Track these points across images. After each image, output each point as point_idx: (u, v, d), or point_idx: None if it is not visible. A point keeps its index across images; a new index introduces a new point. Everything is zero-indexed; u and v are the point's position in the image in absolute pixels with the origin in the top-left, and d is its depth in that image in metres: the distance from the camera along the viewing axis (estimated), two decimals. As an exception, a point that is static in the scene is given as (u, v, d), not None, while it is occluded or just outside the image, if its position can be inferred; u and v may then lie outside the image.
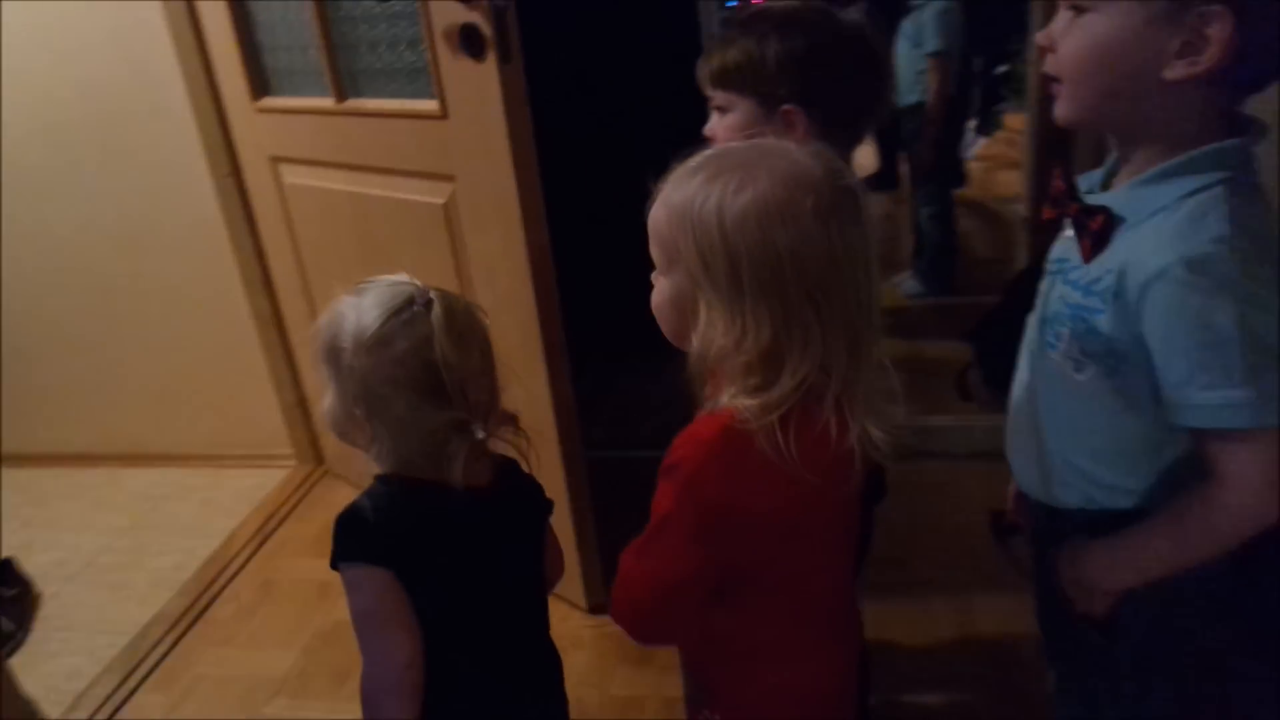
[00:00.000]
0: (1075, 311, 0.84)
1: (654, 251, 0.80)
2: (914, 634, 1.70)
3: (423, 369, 0.86)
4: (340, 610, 1.89)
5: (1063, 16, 0.81)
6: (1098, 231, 0.82)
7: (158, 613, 1.97)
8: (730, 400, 0.77)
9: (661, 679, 1.65)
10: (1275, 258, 0.76)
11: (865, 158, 3.93)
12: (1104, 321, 0.80)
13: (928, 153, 2.86)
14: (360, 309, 0.89)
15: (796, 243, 0.71)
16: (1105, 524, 0.89)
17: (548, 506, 1.04)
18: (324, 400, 0.93)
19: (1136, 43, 0.75)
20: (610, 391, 2.61)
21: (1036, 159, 3.23)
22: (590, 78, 2.64)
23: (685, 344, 0.79)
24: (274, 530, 2.22)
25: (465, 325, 0.90)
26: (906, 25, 2.81)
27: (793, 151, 0.76)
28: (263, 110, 1.96)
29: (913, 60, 2.83)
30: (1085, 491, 0.90)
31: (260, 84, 1.96)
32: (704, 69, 1.13)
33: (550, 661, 1.06)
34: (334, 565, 0.90)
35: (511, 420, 0.96)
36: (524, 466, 1.00)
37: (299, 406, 2.37)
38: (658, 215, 0.78)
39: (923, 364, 2.73)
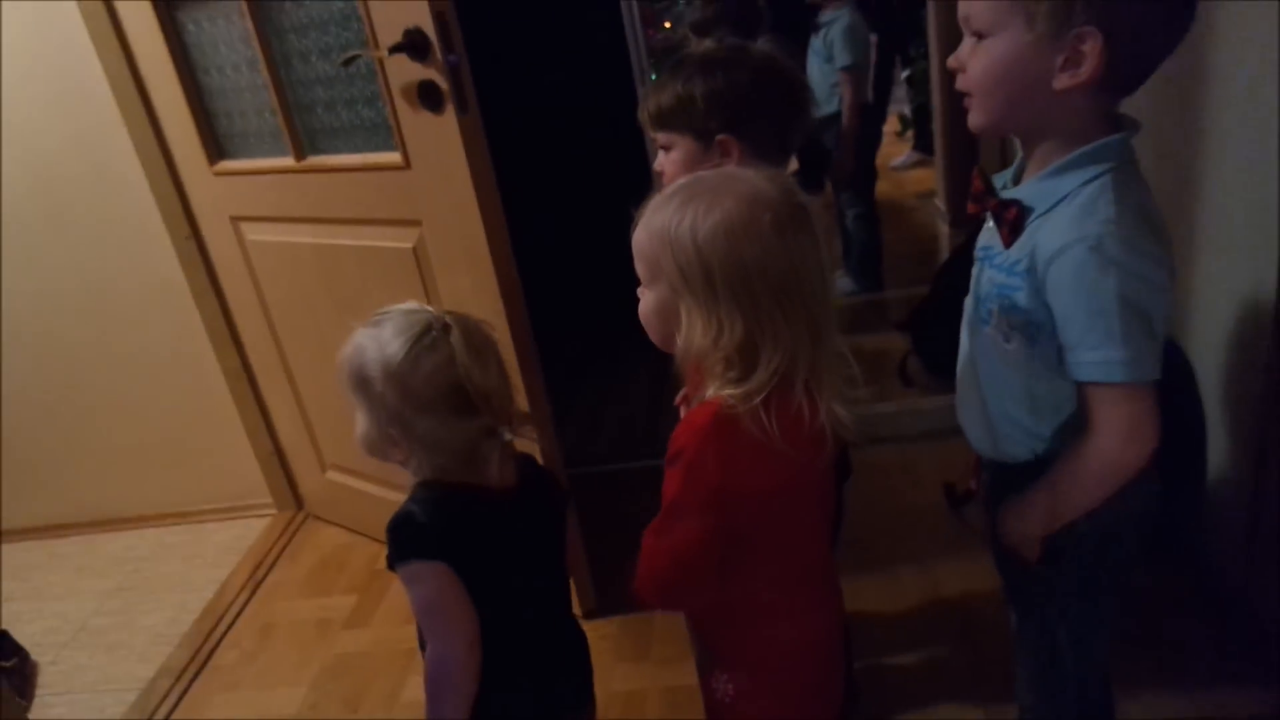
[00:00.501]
0: (1000, 290, 0.99)
1: (639, 268, 0.93)
2: (886, 603, 1.84)
3: (449, 387, 0.96)
4: (342, 643, 1.99)
5: (967, 43, 0.95)
6: (1013, 221, 0.96)
7: (161, 666, 2.03)
8: (716, 391, 0.90)
9: (659, 671, 1.77)
10: (1155, 230, 0.91)
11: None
12: (1022, 297, 0.95)
13: (847, 159, 3.03)
14: (381, 339, 0.99)
15: (759, 252, 0.84)
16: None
17: (566, 496, 1.15)
18: (358, 426, 1.03)
19: (1028, 61, 0.89)
20: (571, 410, 2.72)
21: (947, 157, 3.46)
22: (543, 115, 2.78)
23: (670, 347, 0.92)
24: (265, 576, 2.28)
25: (481, 342, 1.01)
26: (816, 42, 2.99)
27: (752, 177, 0.89)
28: (220, 173, 2.04)
29: (825, 74, 3.00)
30: (1026, 444, 1.04)
31: (215, 149, 2.04)
32: (643, 113, 1.27)
33: (579, 638, 1.17)
34: (391, 566, 1.00)
35: (527, 419, 1.07)
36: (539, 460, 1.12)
37: (275, 455, 2.44)
38: (640, 237, 0.91)
39: (863, 357, 2.84)
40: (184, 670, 2.00)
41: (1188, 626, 1.64)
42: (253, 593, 2.23)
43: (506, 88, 2.25)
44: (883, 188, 3.62)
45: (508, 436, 1.02)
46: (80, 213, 2.27)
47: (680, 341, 0.90)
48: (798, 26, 3.28)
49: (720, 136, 1.20)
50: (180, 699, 1.94)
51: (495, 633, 1.03)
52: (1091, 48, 0.85)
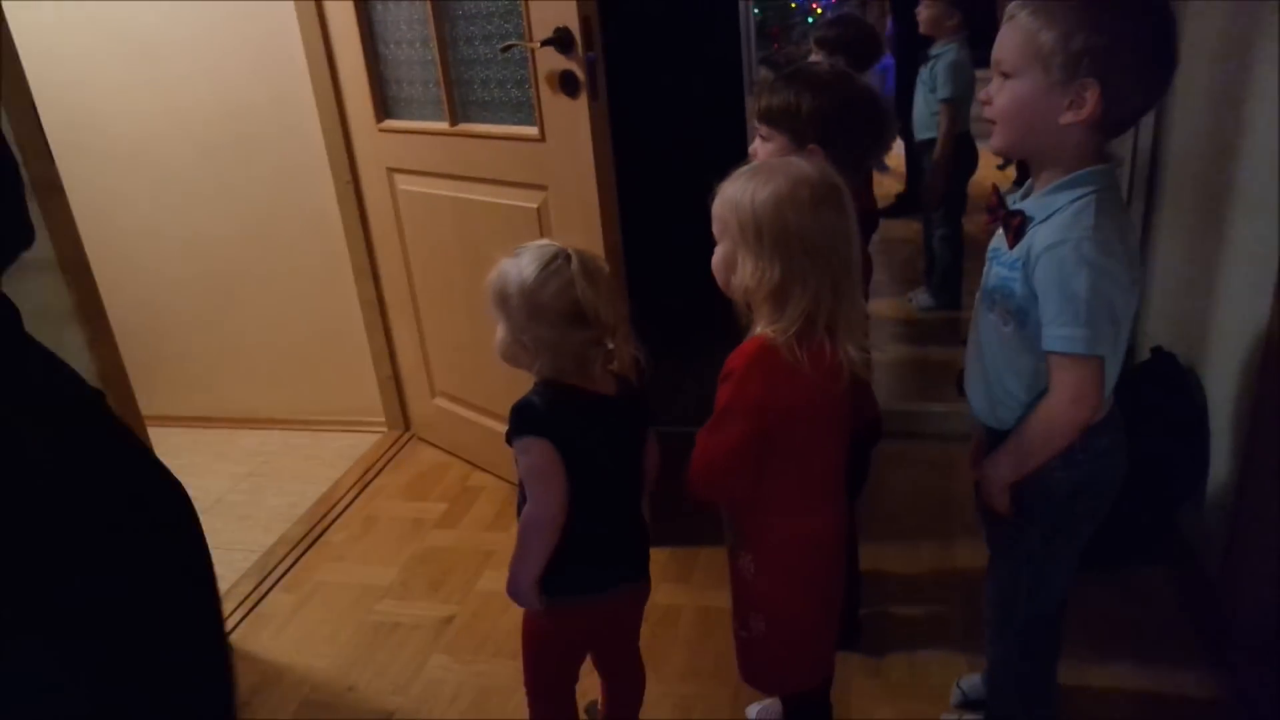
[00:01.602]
0: (1003, 283, 1.24)
1: (714, 227, 1.22)
2: (902, 566, 2.09)
3: (569, 304, 1.23)
4: (432, 539, 2.34)
5: (996, 81, 1.22)
6: (1017, 227, 1.22)
7: (281, 536, 2.41)
8: (761, 329, 1.19)
9: (696, 593, 2.05)
10: (1124, 241, 1.16)
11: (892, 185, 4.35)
12: (1017, 286, 1.20)
13: (938, 183, 3.26)
14: (520, 265, 1.27)
15: (797, 217, 1.13)
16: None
17: (648, 412, 1.41)
18: (497, 335, 1.30)
19: (1041, 99, 1.15)
20: (660, 373, 3.02)
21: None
22: (661, 107, 3.11)
23: (729, 289, 1.22)
24: (372, 479, 2.65)
25: (595, 270, 1.27)
26: (924, 72, 3.23)
27: (801, 163, 1.19)
28: (384, 130, 2.41)
29: (929, 103, 3.24)
30: (1015, 411, 1.28)
31: (383, 109, 2.41)
32: (755, 104, 1.55)
33: (642, 526, 1.45)
34: (509, 440, 1.28)
35: (629, 336, 1.33)
36: (635, 378, 1.39)
37: (393, 380, 2.81)
38: (716, 202, 1.21)
39: (929, 365, 3.13)
40: (300, 541, 2.38)
41: (1167, 610, 1.86)
42: (361, 490, 2.60)
43: (634, 80, 2.56)
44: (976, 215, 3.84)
45: (610, 346, 1.29)
46: (263, 149, 2.68)
47: (736, 281, 1.20)
48: (913, 57, 3.54)
49: (811, 145, 1.47)
50: (295, 563, 2.31)
51: (581, 505, 1.30)
52: (1092, 94, 1.11)
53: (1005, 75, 1.19)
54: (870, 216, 3.23)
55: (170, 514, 1.11)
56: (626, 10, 2.36)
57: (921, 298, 3.49)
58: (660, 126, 3.02)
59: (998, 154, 1.28)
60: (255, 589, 2.21)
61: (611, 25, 1.90)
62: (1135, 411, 1.97)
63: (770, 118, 1.51)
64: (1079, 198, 1.16)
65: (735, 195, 1.18)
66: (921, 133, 3.33)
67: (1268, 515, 1.64)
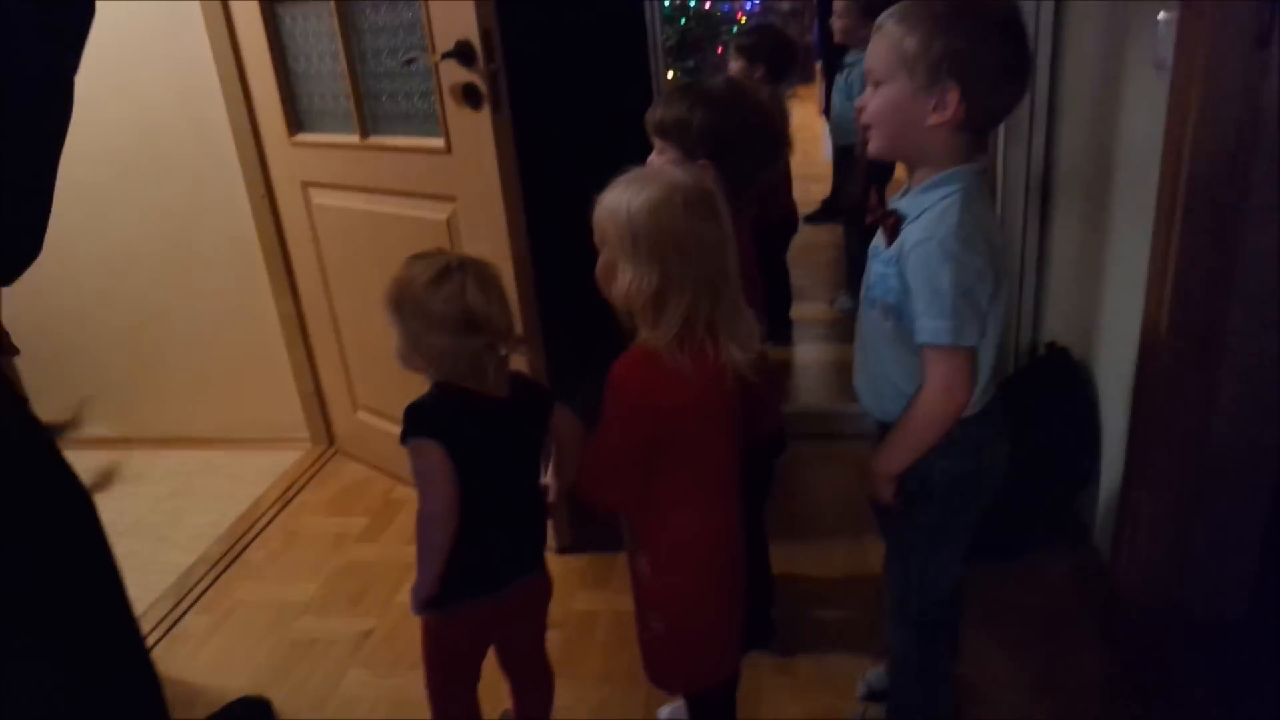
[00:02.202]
0: (881, 280, 1.28)
1: (595, 236, 1.25)
2: (815, 568, 2.13)
3: (461, 311, 1.26)
4: (353, 554, 2.33)
5: (869, 89, 1.26)
6: (893, 226, 1.26)
7: (200, 555, 2.38)
8: (643, 336, 1.22)
9: (613, 598, 2.07)
10: (987, 237, 1.21)
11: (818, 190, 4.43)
12: (893, 282, 1.24)
13: (856, 188, 3.32)
14: (413, 273, 1.29)
15: (672, 224, 1.16)
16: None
17: (550, 398, 1.43)
18: (394, 341, 1.32)
19: (908, 104, 1.20)
20: (580, 378, 3.04)
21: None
22: (564, 120, 3.12)
23: (612, 298, 1.24)
24: (294, 495, 2.63)
25: (487, 277, 1.30)
26: (840, 80, 3.30)
27: (675, 172, 1.23)
28: (297, 144, 2.41)
29: (847, 110, 3.31)
30: (899, 403, 1.31)
31: (295, 123, 2.41)
32: (650, 118, 1.58)
33: (539, 527, 1.48)
34: (403, 441, 1.30)
35: (523, 341, 1.37)
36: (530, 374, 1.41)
37: (315, 394, 2.79)
38: (596, 212, 1.23)
39: (848, 365, 3.18)
40: (219, 560, 2.35)
41: (1066, 593, 1.92)
42: (283, 507, 2.58)
43: (538, 90, 2.59)
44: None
45: (503, 352, 1.32)
46: (177, 165, 2.64)
47: (616, 288, 1.22)
48: (831, 64, 3.63)
49: (702, 160, 1.50)
50: (214, 583, 2.29)
51: (473, 507, 1.32)
52: (953, 97, 1.16)
53: (876, 83, 1.24)
54: (789, 220, 3.33)
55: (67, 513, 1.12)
56: (533, 21, 2.39)
57: (844, 300, 3.55)
58: (568, 137, 3.05)
59: (875, 158, 1.32)
60: (172, 610, 2.18)
61: (517, 36, 1.92)
62: (1032, 403, 2.05)
63: (663, 131, 1.54)
64: (945, 196, 1.21)
65: (612, 204, 1.20)
66: (841, 139, 3.40)
67: (1151, 498, 1.71)
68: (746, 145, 1.53)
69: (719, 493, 1.37)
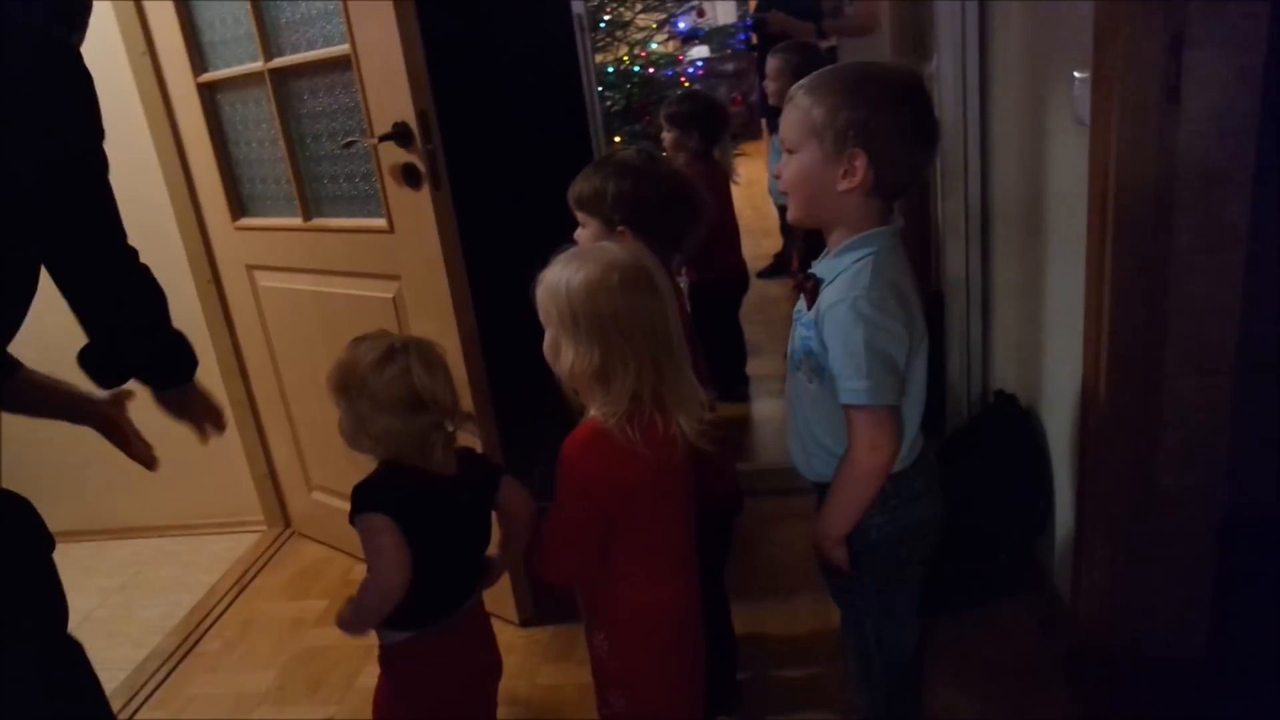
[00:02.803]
0: (804, 343, 1.30)
1: (540, 313, 1.26)
2: (780, 627, 2.11)
3: (406, 390, 1.27)
4: (311, 638, 2.28)
5: (784, 156, 1.29)
6: (812, 290, 1.29)
7: (152, 650, 2.32)
8: (593, 412, 1.23)
9: (578, 671, 2.04)
10: (900, 298, 1.22)
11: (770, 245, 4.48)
12: (814, 344, 1.26)
13: (794, 247, 3.37)
14: (357, 356, 1.30)
15: (609, 302, 1.18)
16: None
17: (498, 471, 1.44)
18: (340, 422, 1.33)
19: (819, 170, 1.23)
20: (534, 452, 3.03)
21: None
22: (505, 194, 3.15)
23: (559, 374, 1.25)
24: (250, 580, 2.58)
25: (431, 356, 1.31)
26: (775, 140, 3.37)
27: (613, 248, 1.24)
28: (240, 229, 2.41)
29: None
30: (830, 463, 1.33)
31: (239, 207, 2.41)
32: (570, 194, 1.61)
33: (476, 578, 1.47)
34: (352, 520, 1.30)
35: (469, 417, 1.38)
36: (478, 448, 1.41)
37: (269, 477, 2.75)
38: (539, 291, 1.25)
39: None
40: (172, 654, 2.29)
41: (1030, 640, 1.93)
42: (238, 594, 2.53)
43: (477, 166, 2.61)
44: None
45: (450, 428, 1.32)
46: (119, 255, 2.63)
47: (561, 365, 1.23)
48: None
49: (620, 228, 1.53)
50: (167, 677, 2.22)
51: (419, 577, 1.32)
52: (860, 163, 1.20)
53: (790, 151, 1.27)
54: (740, 279, 3.37)
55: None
56: (470, 97, 2.42)
57: (798, 354, 3.58)
58: (510, 210, 3.08)
59: (794, 224, 1.35)
60: (124, 708, 2.12)
61: (454, 113, 1.94)
62: (984, 452, 2.08)
63: (581, 204, 1.57)
64: (859, 259, 1.23)
65: (552, 284, 1.22)
66: (779, 199, 3.46)
67: (1104, 543, 1.73)
68: (661, 208, 1.55)
69: (673, 564, 1.37)
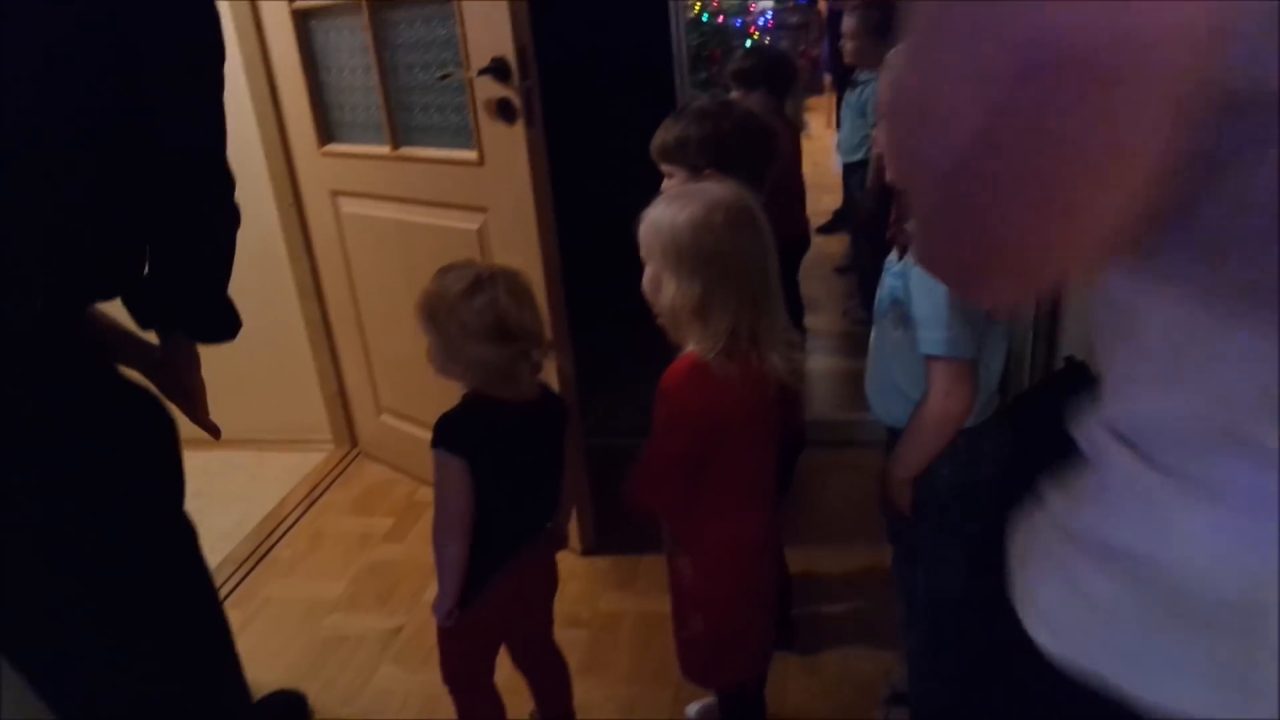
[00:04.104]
0: (892, 292, 1.34)
1: (641, 250, 1.31)
2: (835, 568, 2.18)
3: (495, 319, 1.32)
4: (379, 553, 2.38)
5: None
6: (905, 242, 1.33)
7: (228, 555, 2.43)
8: (691, 346, 1.28)
9: (638, 599, 2.13)
10: None
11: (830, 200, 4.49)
12: (901, 293, 1.31)
13: (869, 204, 3.37)
14: (445, 285, 1.35)
15: (713, 239, 1.22)
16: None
17: (566, 415, 1.50)
18: (429, 349, 1.38)
19: None
20: (601, 389, 3.10)
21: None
22: (595, 134, 3.19)
23: (658, 309, 1.30)
24: (319, 496, 2.69)
25: (518, 287, 1.35)
26: (851, 98, 3.36)
27: (716, 188, 1.29)
28: (326, 154, 2.46)
29: (857, 127, 3.36)
30: (907, 409, 1.37)
31: (325, 133, 2.46)
32: (652, 147, 1.65)
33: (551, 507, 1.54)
34: (433, 447, 1.35)
35: (552, 347, 1.42)
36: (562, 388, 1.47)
37: (339, 397, 2.85)
38: (641, 228, 1.29)
39: (860, 374, 3.23)
40: (246, 559, 2.41)
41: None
42: (308, 508, 2.64)
43: (566, 103, 2.65)
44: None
45: (535, 358, 1.38)
46: (205, 174, 2.70)
47: (661, 301, 1.28)
48: (842, 81, 3.69)
49: (707, 171, 1.57)
50: (242, 580, 2.34)
51: (491, 511, 1.38)
52: None
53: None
54: (802, 240, 3.38)
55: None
56: (562, 35, 2.45)
57: (856, 310, 3.61)
58: (597, 149, 3.11)
59: (894, 186, 1.39)
60: (202, 607, 2.23)
61: (548, 51, 1.97)
62: (1048, 417, 2.10)
63: (666, 154, 1.61)
64: None
65: (656, 221, 1.27)
66: (848, 156, 3.46)
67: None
68: (742, 150, 1.60)
69: (758, 496, 1.43)
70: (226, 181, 1.29)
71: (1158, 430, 0.49)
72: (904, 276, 1.30)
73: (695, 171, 1.58)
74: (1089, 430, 0.55)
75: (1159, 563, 0.48)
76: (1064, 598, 0.54)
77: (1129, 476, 0.50)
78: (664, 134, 1.61)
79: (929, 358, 1.28)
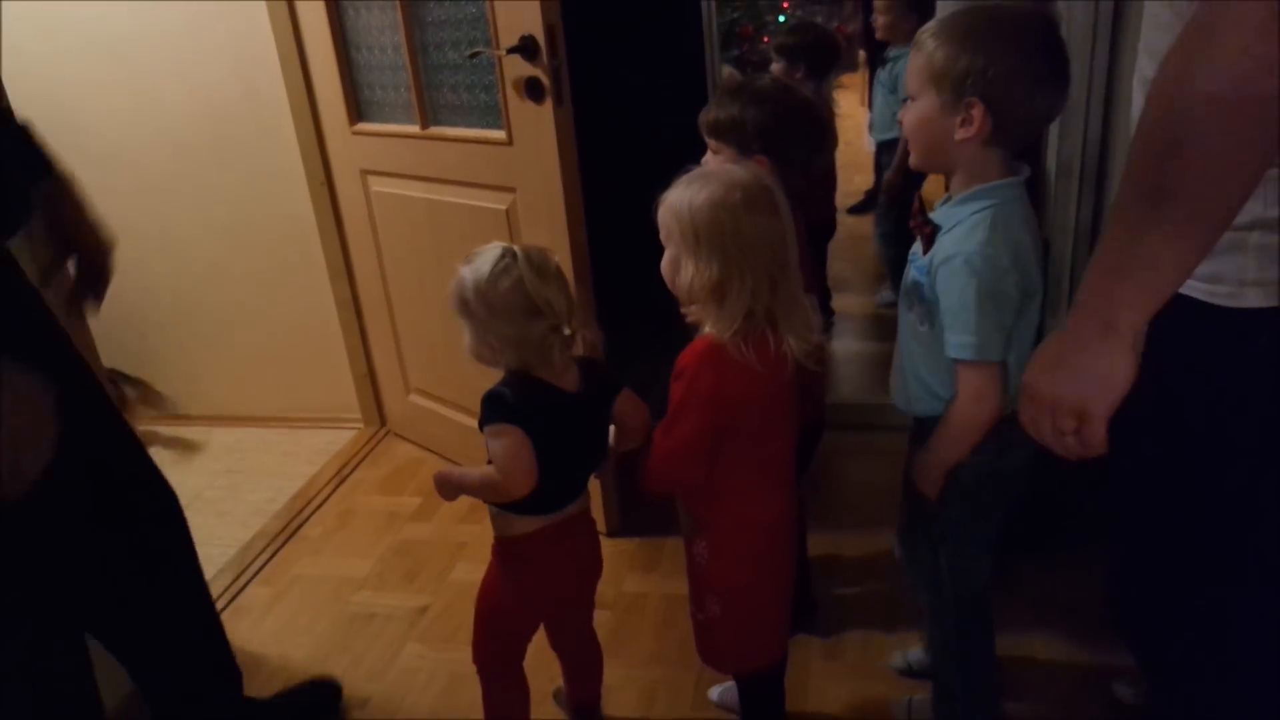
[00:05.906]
0: (916, 286, 1.32)
1: (660, 232, 1.30)
2: (857, 551, 2.17)
3: (522, 297, 1.30)
4: (407, 532, 2.40)
5: (907, 103, 1.30)
6: (929, 235, 1.31)
7: (259, 530, 2.47)
8: (709, 328, 1.27)
9: (662, 581, 2.13)
10: (1016, 256, 1.23)
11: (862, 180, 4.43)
12: (927, 289, 1.29)
13: (897, 179, 3.33)
14: (474, 269, 1.35)
15: (731, 220, 1.21)
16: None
17: (617, 386, 1.46)
18: (465, 340, 1.37)
19: (937, 118, 1.23)
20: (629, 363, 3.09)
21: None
22: (626, 109, 3.17)
23: (676, 291, 1.29)
24: (349, 474, 2.71)
25: (543, 262, 1.34)
26: (882, 74, 3.31)
27: (734, 169, 1.28)
28: (357, 133, 2.47)
29: (889, 104, 3.31)
30: (931, 403, 1.36)
31: (356, 112, 2.47)
32: (703, 120, 1.62)
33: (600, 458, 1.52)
34: (482, 426, 1.34)
35: (584, 321, 1.39)
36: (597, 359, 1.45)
37: (368, 377, 2.87)
38: (660, 210, 1.29)
39: (887, 358, 3.20)
40: (277, 535, 2.44)
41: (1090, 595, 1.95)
42: (337, 486, 2.66)
43: (599, 86, 2.63)
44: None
45: (567, 331, 1.34)
46: (238, 151, 2.72)
47: (680, 282, 1.27)
48: (873, 58, 3.64)
49: (757, 155, 1.55)
50: (273, 557, 2.37)
51: (542, 483, 1.37)
52: (978, 112, 1.20)
53: (911, 97, 1.28)
54: (829, 224, 3.35)
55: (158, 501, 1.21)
56: (591, 14, 2.43)
57: (885, 293, 3.57)
58: (625, 128, 3.09)
59: (917, 170, 1.37)
60: (234, 582, 2.27)
61: (576, 29, 1.96)
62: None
63: (717, 131, 1.59)
64: (977, 211, 1.24)
65: (675, 202, 1.26)
66: (880, 133, 3.42)
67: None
68: (796, 138, 1.58)
69: (776, 479, 1.42)
70: None
71: None
72: (929, 274, 1.28)
73: (745, 153, 1.55)
74: None
75: None
76: None
77: None
78: (717, 110, 1.59)
79: (957, 362, 1.27)
